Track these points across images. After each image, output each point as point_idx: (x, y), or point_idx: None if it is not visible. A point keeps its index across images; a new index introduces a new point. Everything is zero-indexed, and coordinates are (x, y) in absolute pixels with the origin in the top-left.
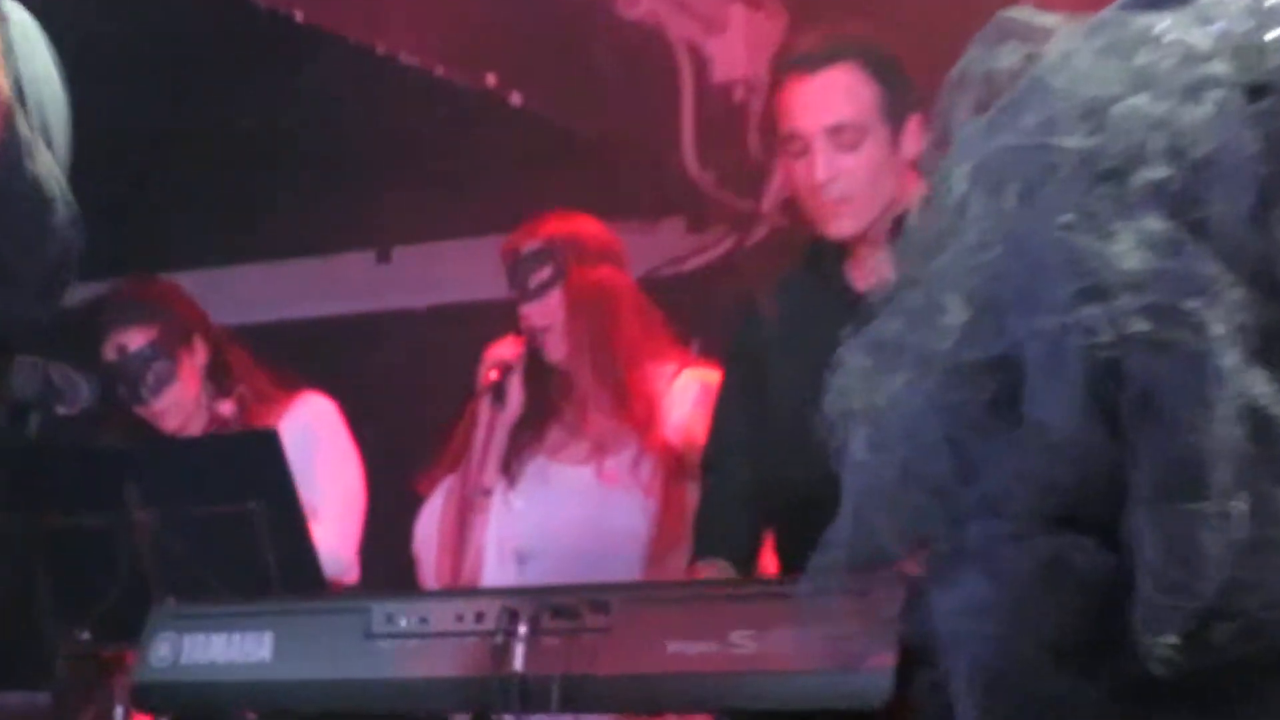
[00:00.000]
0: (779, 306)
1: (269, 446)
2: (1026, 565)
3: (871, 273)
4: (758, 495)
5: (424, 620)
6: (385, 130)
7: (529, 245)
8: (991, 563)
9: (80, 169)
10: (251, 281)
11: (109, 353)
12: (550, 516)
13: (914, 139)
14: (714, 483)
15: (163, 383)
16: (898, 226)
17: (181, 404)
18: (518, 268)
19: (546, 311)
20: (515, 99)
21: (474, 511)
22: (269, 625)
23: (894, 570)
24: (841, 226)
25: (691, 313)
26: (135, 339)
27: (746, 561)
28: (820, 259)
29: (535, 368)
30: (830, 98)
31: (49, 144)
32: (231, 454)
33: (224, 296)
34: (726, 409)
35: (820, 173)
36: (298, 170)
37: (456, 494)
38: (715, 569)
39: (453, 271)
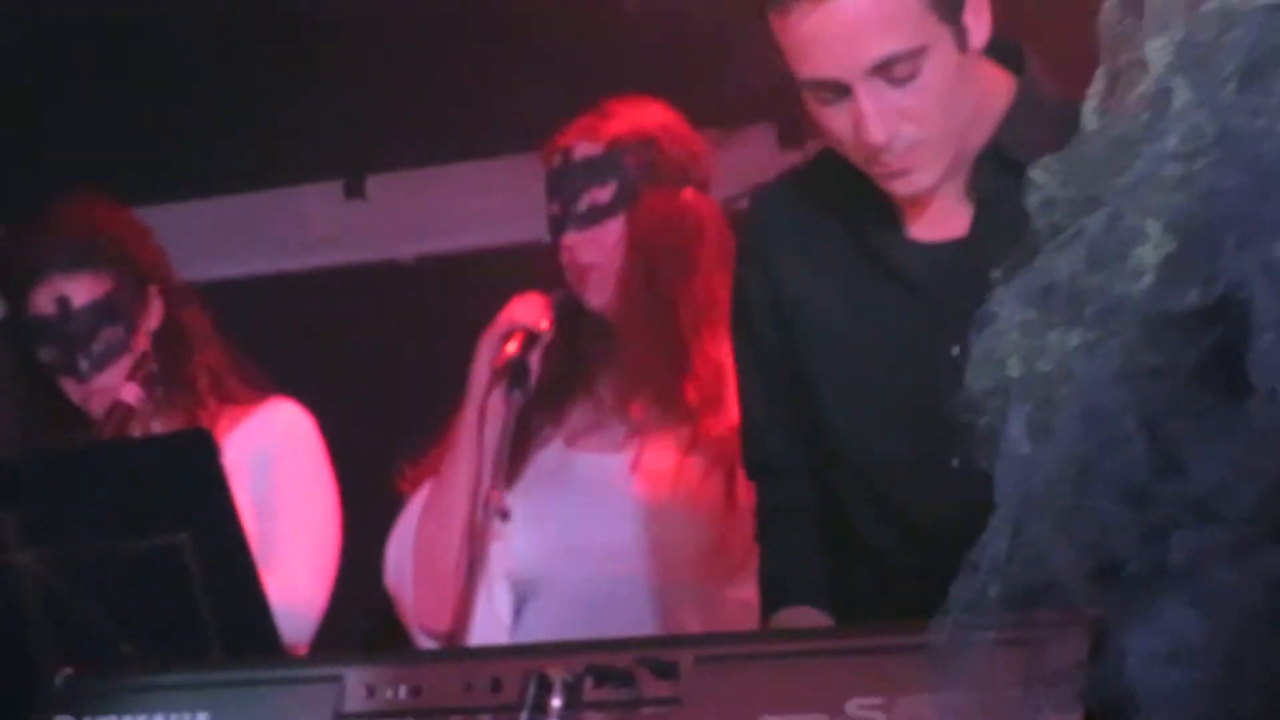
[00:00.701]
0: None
1: (201, 453)
2: (1250, 589)
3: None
4: (821, 520)
5: (416, 692)
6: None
7: (584, 149)
8: (1203, 588)
9: None
10: (173, 224)
11: (42, 304)
12: (567, 530)
13: (980, 17)
14: (769, 499)
15: (112, 353)
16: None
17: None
18: (564, 179)
19: (599, 245)
20: None
21: (488, 539)
22: (204, 704)
23: (1069, 605)
24: (913, 182)
25: None
26: (83, 290)
27: (839, 604)
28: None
29: (567, 320)
30: (865, 26)
31: None
32: (149, 465)
33: None
34: (752, 400)
35: (875, 132)
36: (225, 69)
37: (459, 514)
38: (807, 619)
39: (450, 207)
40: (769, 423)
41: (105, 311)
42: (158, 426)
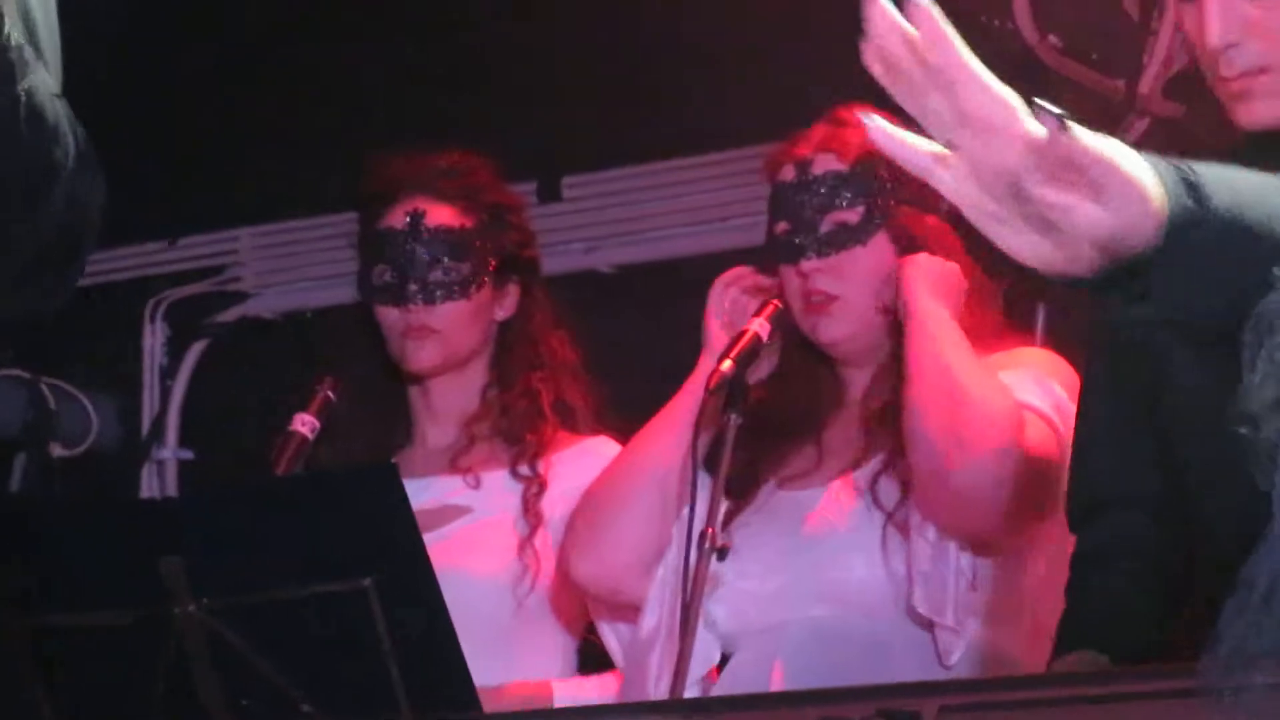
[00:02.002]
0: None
1: (387, 488)
2: None
3: None
4: (1160, 560)
5: None
6: None
7: (826, 162)
8: None
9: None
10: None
11: (394, 218)
12: (768, 575)
13: None
14: (1086, 543)
15: (449, 290)
16: None
17: (451, 341)
18: (799, 195)
19: (843, 274)
20: None
21: (703, 580)
22: None
23: None
24: (1255, 112)
25: (1017, 267)
26: (443, 215)
27: (1136, 648)
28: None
29: (793, 351)
30: None
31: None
32: (329, 503)
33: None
34: (1091, 429)
35: (1211, 32)
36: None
37: (674, 550)
38: (1085, 664)
39: (655, 211)
40: (1111, 450)
41: (458, 244)
42: (480, 440)
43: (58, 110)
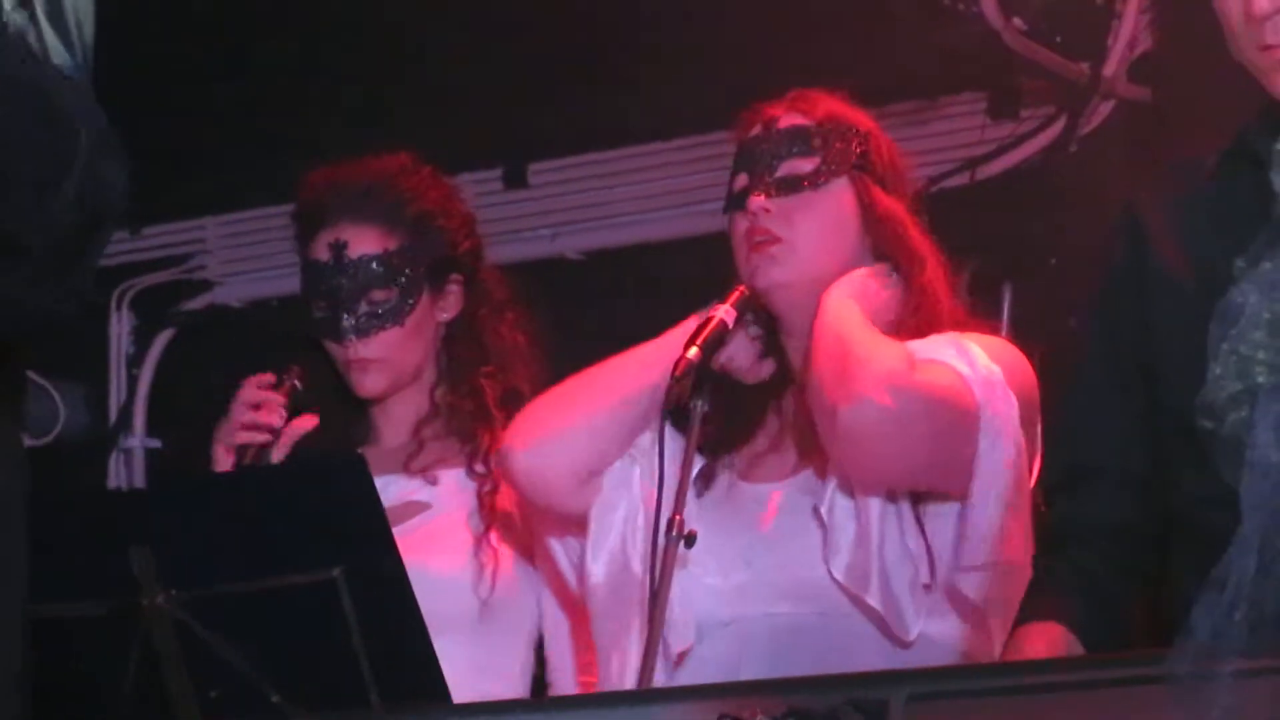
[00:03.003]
0: (1176, 234)
1: (355, 478)
2: None
3: None
4: (1136, 530)
5: None
6: None
7: (792, 119)
8: None
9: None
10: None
11: (319, 250)
12: (748, 565)
13: None
14: (1064, 512)
15: (382, 320)
16: None
17: (395, 365)
18: (761, 145)
19: (788, 217)
20: None
21: (671, 567)
22: None
23: None
24: None
25: (995, 243)
26: (365, 241)
27: (1103, 631)
28: (1255, 152)
29: (750, 322)
30: None
31: (65, 36)
32: (297, 493)
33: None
34: (1088, 399)
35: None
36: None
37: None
38: (1051, 639)
39: (621, 197)
40: (1100, 420)
41: (385, 270)
42: (432, 440)
43: (64, 96)
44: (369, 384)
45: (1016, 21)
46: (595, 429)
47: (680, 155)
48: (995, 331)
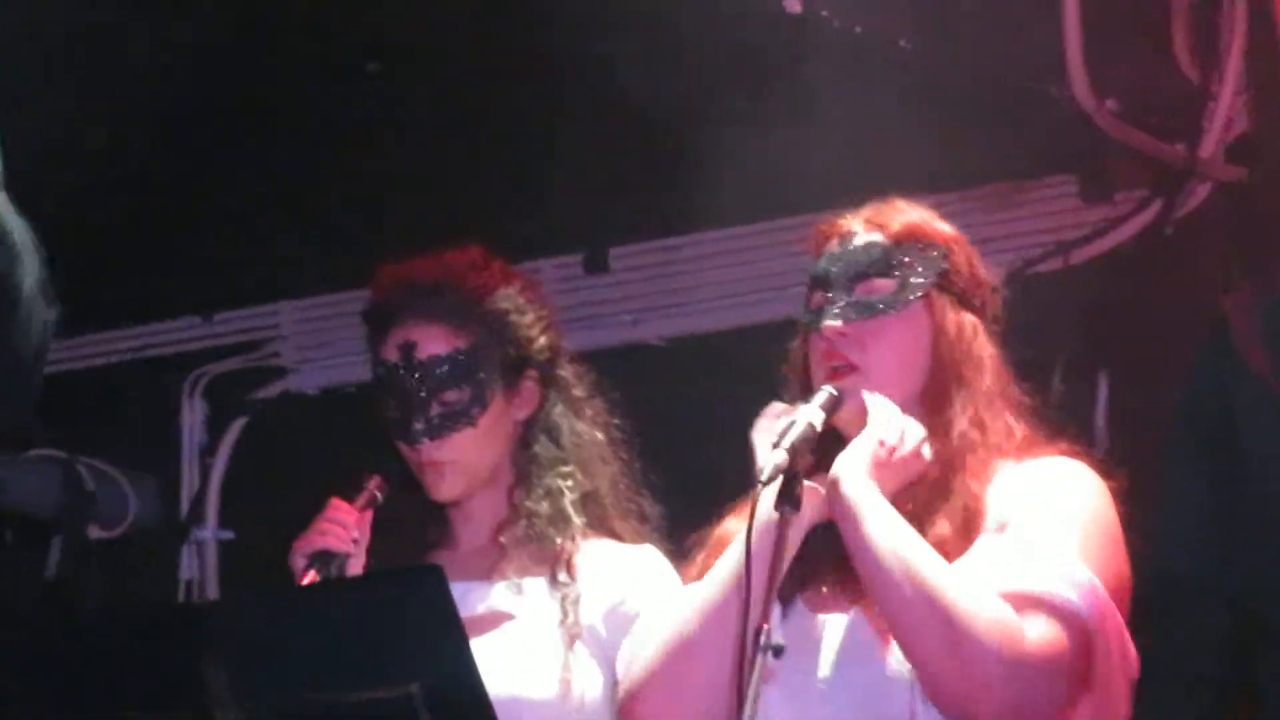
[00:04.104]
0: (1266, 338)
1: (432, 591)
2: None
3: None
4: (1230, 644)
5: None
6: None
7: (870, 236)
8: None
9: None
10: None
11: (389, 351)
12: (808, 707)
13: None
14: (1162, 643)
15: (454, 421)
16: None
17: (469, 467)
18: (837, 267)
19: (866, 344)
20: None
21: (758, 678)
22: None
23: None
24: None
25: (1090, 330)
26: (434, 341)
27: None
28: None
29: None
30: None
31: None
32: (373, 607)
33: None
34: (1180, 513)
35: None
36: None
37: (727, 627)
38: None
39: (703, 282)
40: (1192, 538)
41: (455, 371)
42: (513, 546)
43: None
44: (444, 488)
45: (1109, 103)
46: (715, 684)
47: (763, 239)
48: (1073, 443)
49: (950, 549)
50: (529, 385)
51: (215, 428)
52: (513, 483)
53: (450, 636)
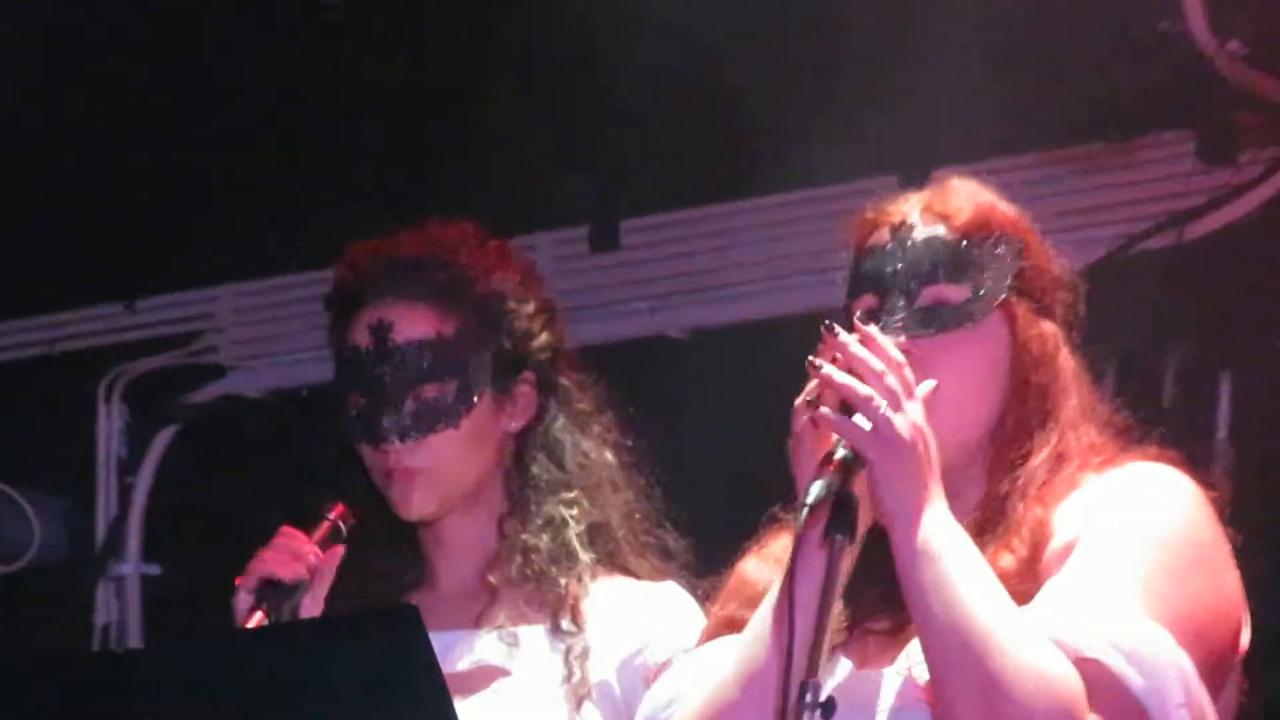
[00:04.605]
0: None
1: (407, 635)
2: None
3: None
4: None
5: None
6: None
7: (932, 228)
8: None
9: None
10: None
11: (358, 333)
12: None
13: None
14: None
15: (432, 420)
16: None
17: (445, 478)
18: (895, 265)
19: (936, 362)
20: None
21: None
22: None
23: None
24: None
25: (1209, 320)
26: (414, 323)
27: None
28: None
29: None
30: None
31: None
32: (347, 651)
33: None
34: None
35: None
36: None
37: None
38: None
39: (732, 262)
40: None
41: (438, 359)
42: (506, 587)
43: None
44: (415, 500)
45: (1233, 45)
46: None
47: (805, 210)
48: (1164, 446)
49: (1013, 585)
50: (525, 390)
51: (138, 439)
52: (505, 510)
53: (429, 695)
